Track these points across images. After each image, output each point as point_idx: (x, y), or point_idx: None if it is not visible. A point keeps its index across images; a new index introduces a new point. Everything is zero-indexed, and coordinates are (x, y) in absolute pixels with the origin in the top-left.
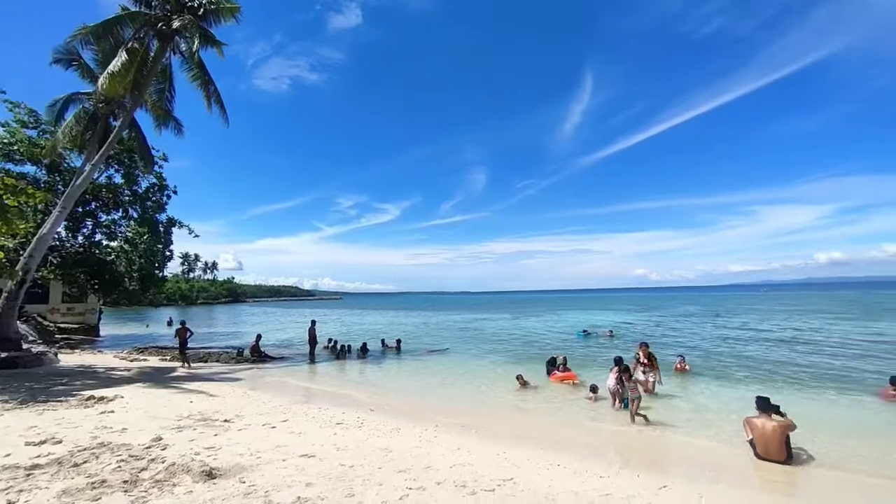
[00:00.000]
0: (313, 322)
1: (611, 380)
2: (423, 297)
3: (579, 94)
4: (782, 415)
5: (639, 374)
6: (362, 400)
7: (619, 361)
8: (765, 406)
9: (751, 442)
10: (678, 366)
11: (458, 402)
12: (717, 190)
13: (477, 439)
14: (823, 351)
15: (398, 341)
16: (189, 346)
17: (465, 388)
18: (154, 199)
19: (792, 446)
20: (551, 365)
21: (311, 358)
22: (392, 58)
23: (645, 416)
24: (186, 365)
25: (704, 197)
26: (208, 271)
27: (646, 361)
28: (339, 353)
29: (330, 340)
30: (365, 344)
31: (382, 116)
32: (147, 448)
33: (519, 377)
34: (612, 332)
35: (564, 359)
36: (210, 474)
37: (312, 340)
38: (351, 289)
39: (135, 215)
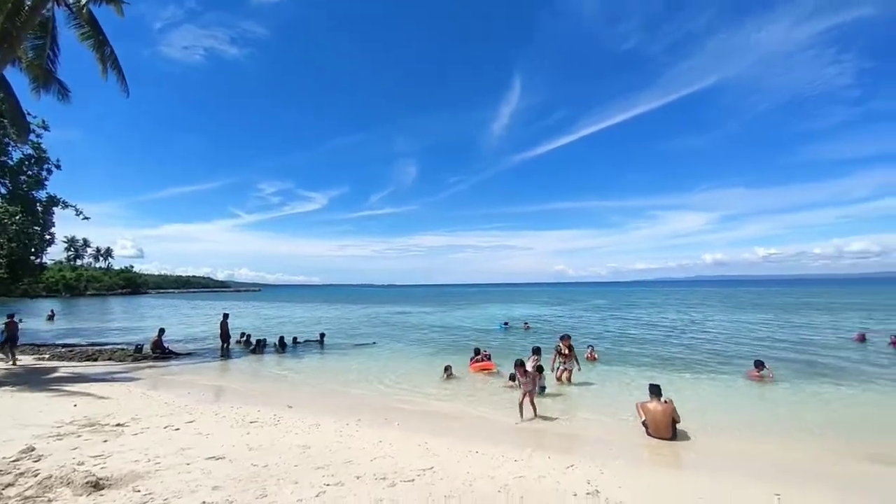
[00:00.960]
0: (226, 315)
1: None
2: (351, 290)
3: (508, 97)
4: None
5: (558, 364)
6: (279, 396)
7: (536, 351)
8: (656, 391)
9: (644, 423)
10: (588, 355)
11: (382, 395)
12: (626, 195)
13: (400, 431)
14: (706, 339)
15: (321, 335)
16: (74, 342)
17: (389, 380)
18: (30, 173)
19: (678, 423)
20: (476, 354)
21: (223, 353)
22: (322, 39)
23: (534, 408)
24: (12, 362)
25: (616, 200)
26: (101, 259)
27: (566, 352)
28: (255, 347)
29: (243, 334)
30: (282, 338)
31: (311, 99)
32: (14, 461)
33: (447, 368)
34: (527, 324)
35: (486, 353)
36: (96, 485)
37: (224, 335)
38: (271, 280)
39: (3, 191)
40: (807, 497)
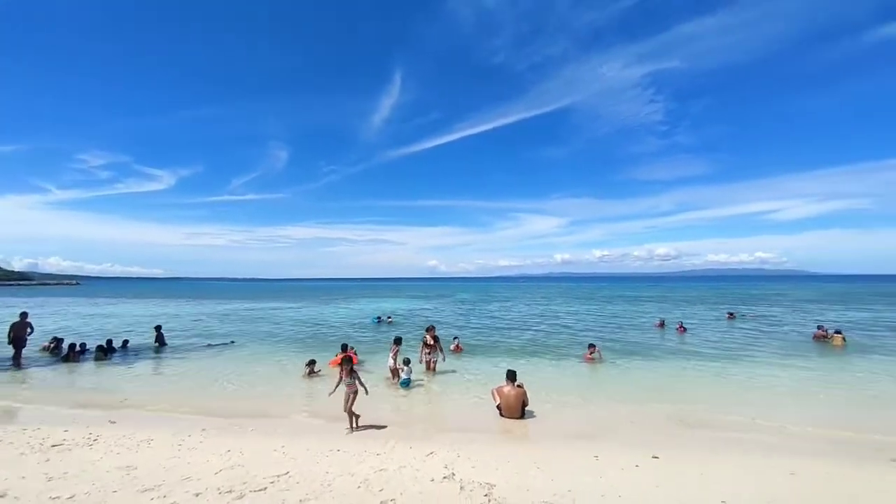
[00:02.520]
0: (23, 314)
1: (390, 359)
2: (204, 284)
3: (390, 90)
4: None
5: (424, 354)
6: (98, 411)
7: (398, 341)
8: (512, 376)
9: (498, 406)
10: (453, 346)
11: (236, 399)
12: (494, 197)
13: (254, 437)
14: (553, 328)
15: (157, 330)
16: None
17: (246, 381)
18: None
19: (529, 403)
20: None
21: (16, 363)
22: None
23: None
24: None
25: (485, 201)
26: None
27: (431, 343)
28: (68, 354)
29: (53, 339)
30: (110, 341)
31: (161, 53)
32: None
33: (310, 363)
34: (391, 317)
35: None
36: None
37: (19, 339)
38: (94, 271)
39: None
40: (620, 455)
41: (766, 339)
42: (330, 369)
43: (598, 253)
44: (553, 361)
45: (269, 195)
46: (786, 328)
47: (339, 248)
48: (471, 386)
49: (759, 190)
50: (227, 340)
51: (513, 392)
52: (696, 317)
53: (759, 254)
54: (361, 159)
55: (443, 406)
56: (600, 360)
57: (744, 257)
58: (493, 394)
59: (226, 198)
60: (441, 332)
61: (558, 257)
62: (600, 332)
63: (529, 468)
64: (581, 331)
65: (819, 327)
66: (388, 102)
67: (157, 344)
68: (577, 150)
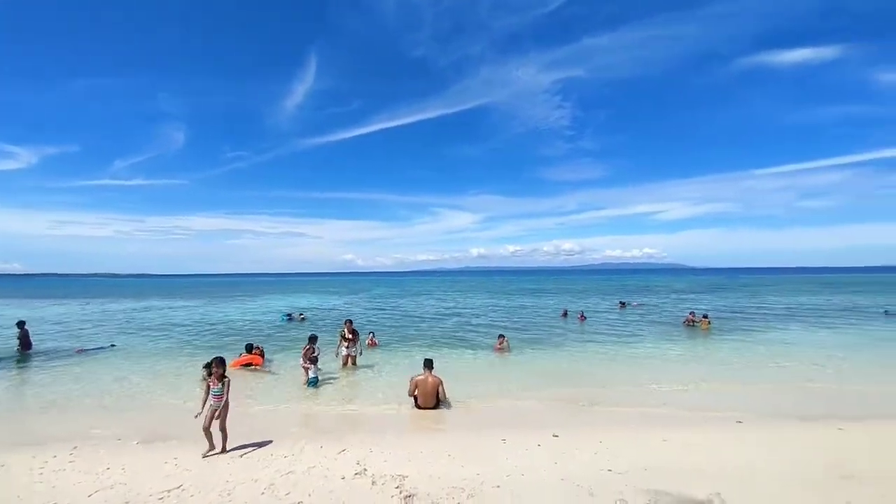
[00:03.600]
0: None
1: (302, 358)
2: (78, 281)
3: (303, 75)
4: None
5: (342, 349)
6: None
7: (312, 339)
8: (429, 364)
9: (414, 396)
10: (369, 341)
11: (118, 411)
12: (413, 191)
13: (139, 451)
14: (469, 320)
15: (20, 326)
16: None
17: (128, 391)
18: None
19: (445, 394)
20: (248, 351)
21: None
22: None
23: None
24: None
25: (404, 195)
26: None
27: (350, 336)
28: None
29: None
30: None
31: (27, 13)
32: None
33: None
34: (303, 315)
35: (259, 349)
36: None
37: None
38: None
39: None
40: (525, 437)
41: (650, 325)
42: (230, 371)
43: (510, 248)
44: (465, 352)
45: (162, 180)
46: (665, 314)
47: (247, 241)
48: (385, 380)
49: (648, 193)
50: (107, 344)
51: (430, 380)
52: (595, 306)
53: (646, 249)
54: (272, 146)
55: (356, 402)
56: (509, 349)
57: (635, 252)
58: (410, 383)
59: (107, 182)
60: (357, 327)
61: (474, 252)
62: (510, 322)
63: (441, 457)
64: (491, 322)
65: (691, 313)
66: (301, 88)
67: (19, 347)
68: (493, 149)
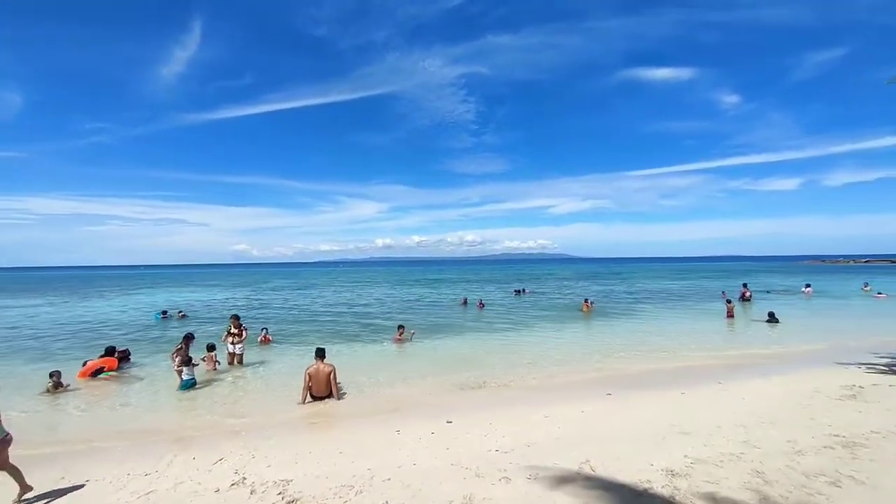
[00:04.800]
0: None
1: (172, 360)
2: None
3: (185, 40)
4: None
5: (228, 346)
6: None
7: (188, 338)
8: (321, 354)
9: (309, 388)
10: (262, 338)
11: None
12: (315, 177)
13: None
14: (371, 310)
15: None
16: None
17: None
18: None
19: (338, 385)
20: (109, 355)
21: None
22: None
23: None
24: None
25: (305, 182)
26: None
27: (236, 332)
28: None
29: None
30: None
31: None
32: None
33: (53, 375)
34: (182, 312)
35: (122, 351)
36: None
37: None
38: None
39: None
40: (419, 426)
41: (541, 311)
42: (80, 382)
43: (416, 238)
44: (364, 344)
45: None
46: (555, 300)
47: (112, 229)
48: (277, 378)
49: (543, 188)
50: None
51: (321, 368)
52: (493, 294)
53: (540, 241)
54: (146, 119)
55: (240, 404)
56: (409, 339)
57: (531, 244)
58: (305, 375)
59: None
60: (249, 323)
61: (379, 242)
62: (410, 313)
63: (332, 454)
64: (392, 313)
65: (585, 300)
66: (182, 55)
67: None
68: (398, 139)
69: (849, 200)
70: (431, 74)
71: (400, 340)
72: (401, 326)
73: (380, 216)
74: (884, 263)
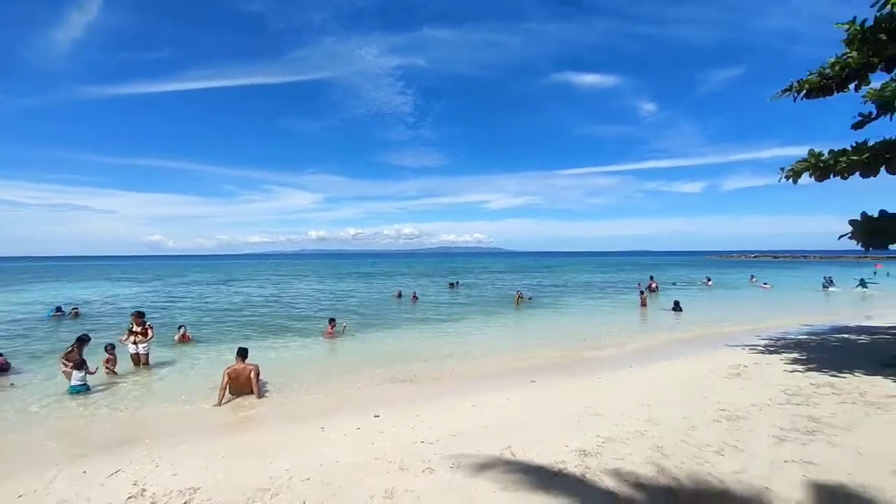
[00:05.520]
0: None
1: (61, 362)
2: None
3: (83, 2)
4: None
5: (130, 346)
6: None
7: (82, 340)
8: (242, 353)
9: (227, 388)
10: (179, 336)
11: None
12: (241, 164)
13: None
14: (300, 305)
15: None
16: None
17: None
18: None
19: (260, 384)
20: None
21: None
22: None
23: None
24: None
25: (230, 168)
26: None
27: (138, 331)
28: None
29: None
30: None
31: None
32: None
33: None
34: (77, 309)
35: None
36: None
37: None
38: None
39: None
40: (345, 422)
41: (474, 303)
42: None
43: (352, 231)
44: (293, 340)
45: None
46: (488, 293)
47: None
48: (190, 378)
49: (480, 184)
50: None
51: (243, 370)
52: (428, 287)
53: (476, 235)
54: (37, 90)
55: (147, 408)
56: (341, 333)
57: (467, 237)
58: (224, 375)
59: None
60: (164, 320)
61: (313, 234)
62: (343, 306)
63: (248, 457)
64: (324, 307)
65: (517, 292)
66: (80, 19)
67: None
68: (334, 127)
69: (742, 203)
70: (368, 63)
71: (331, 335)
72: (332, 320)
73: (314, 207)
74: (767, 259)
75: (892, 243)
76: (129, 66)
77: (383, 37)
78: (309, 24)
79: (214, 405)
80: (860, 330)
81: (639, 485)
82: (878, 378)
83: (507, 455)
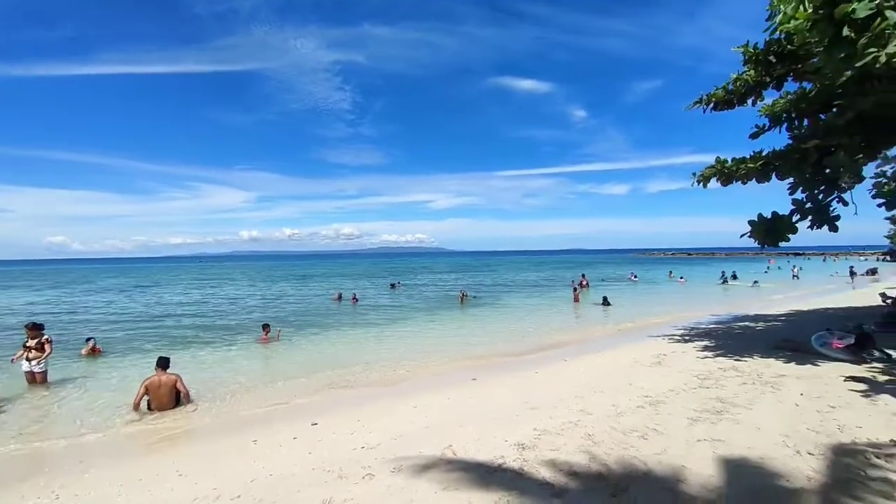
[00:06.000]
0: None
1: None
2: None
3: None
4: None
5: (23, 364)
6: None
7: None
8: (163, 363)
9: (148, 402)
10: (88, 349)
11: None
12: (162, 158)
13: None
14: (233, 310)
15: None
16: None
17: None
18: None
19: (188, 394)
20: None
21: None
22: None
23: None
24: None
25: (148, 162)
26: None
27: (33, 345)
28: None
29: None
30: None
31: None
32: None
33: None
34: None
35: None
36: None
37: None
38: None
39: None
40: (280, 432)
41: (415, 303)
42: None
43: (288, 231)
44: (222, 349)
45: None
46: (429, 292)
47: None
48: (100, 395)
49: (421, 184)
50: None
51: (163, 379)
52: (369, 289)
53: (418, 235)
54: None
55: (48, 432)
56: (276, 339)
57: (409, 237)
58: (141, 387)
59: None
60: (67, 333)
61: (245, 234)
62: (279, 310)
63: (169, 477)
64: (258, 311)
65: (462, 291)
66: None
67: None
68: (267, 122)
69: (663, 205)
70: (304, 56)
71: (266, 341)
72: (266, 325)
73: (245, 206)
74: (683, 256)
75: (782, 241)
76: (27, 43)
77: (320, 30)
78: (237, 12)
79: (128, 422)
80: (757, 318)
81: (572, 473)
82: (771, 360)
83: (449, 454)
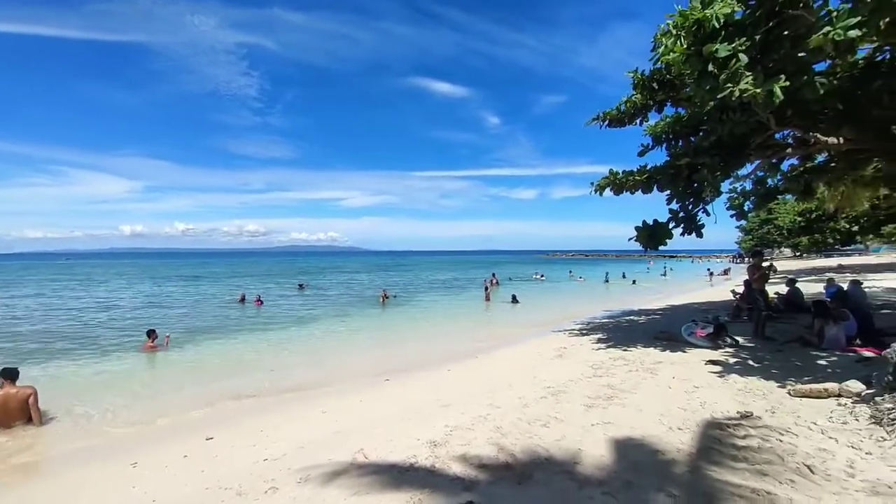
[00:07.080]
0: None
1: None
2: None
3: None
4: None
5: None
6: None
7: None
8: (9, 374)
9: None
10: None
11: None
12: (17, 135)
13: None
14: (109, 315)
15: None
16: None
17: None
18: None
19: (52, 411)
20: None
21: None
22: None
23: None
24: None
25: None
26: None
27: None
28: None
29: None
30: None
31: None
32: None
33: None
34: None
35: None
36: None
37: None
38: None
39: None
40: (167, 451)
41: (326, 304)
42: None
43: (181, 226)
44: (95, 359)
45: None
46: (341, 293)
47: None
48: None
49: (334, 180)
50: None
51: (13, 395)
52: (275, 290)
53: (331, 233)
54: None
55: None
56: (165, 346)
57: (320, 236)
58: None
59: None
60: None
61: (127, 229)
62: (172, 314)
63: None
64: (146, 315)
65: (383, 291)
66: None
67: None
68: (157, 102)
69: (566, 210)
70: (203, 34)
71: (152, 349)
72: (151, 331)
73: (129, 196)
74: (581, 257)
75: (661, 245)
76: None
77: (223, 8)
78: None
79: None
80: (640, 312)
81: (482, 465)
82: (651, 349)
83: (360, 458)
